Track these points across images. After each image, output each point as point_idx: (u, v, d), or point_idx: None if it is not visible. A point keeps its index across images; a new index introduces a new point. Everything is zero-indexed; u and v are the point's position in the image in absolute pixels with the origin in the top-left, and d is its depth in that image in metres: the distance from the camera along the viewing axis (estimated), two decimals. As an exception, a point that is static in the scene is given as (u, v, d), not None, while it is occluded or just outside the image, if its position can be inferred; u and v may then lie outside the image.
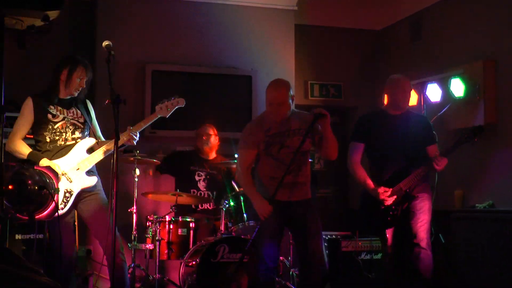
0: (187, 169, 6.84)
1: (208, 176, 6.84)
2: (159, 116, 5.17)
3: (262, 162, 5.05)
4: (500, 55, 6.97)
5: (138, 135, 5.02)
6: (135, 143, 5.06)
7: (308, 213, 5.02)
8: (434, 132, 5.60)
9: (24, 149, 4.91)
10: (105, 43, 4.53)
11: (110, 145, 4.86)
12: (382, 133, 5.51)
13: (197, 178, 6.82)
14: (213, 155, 6.95)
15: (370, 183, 5.47)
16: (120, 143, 4.85)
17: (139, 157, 6.22)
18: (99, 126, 5.24)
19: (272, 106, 4.94)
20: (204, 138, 6.84)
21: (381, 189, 5.39)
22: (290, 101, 4.98)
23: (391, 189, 5.38)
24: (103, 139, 5.18)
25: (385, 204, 5.39)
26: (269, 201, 4.83)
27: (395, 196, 5.38)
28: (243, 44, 7.75)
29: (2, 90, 3.25)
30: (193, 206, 6.76)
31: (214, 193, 6.79)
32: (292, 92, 5.02)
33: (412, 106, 5.74)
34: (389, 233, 5.55)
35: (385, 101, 6.06)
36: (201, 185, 6.82)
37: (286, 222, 5.05)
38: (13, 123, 5.22)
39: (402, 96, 5.51)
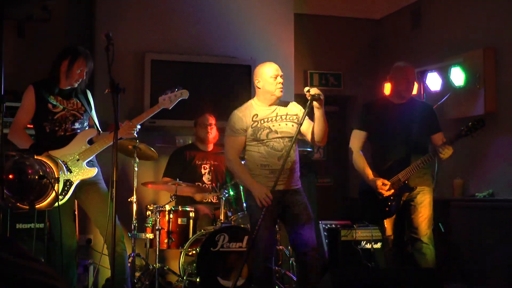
0: (192, 163, 6.80)
1: (212, 168, 6.82)
2: (161, 108, 5.17)
3: (251, 150, 5.03)
4: (500, 43, 6.96)
5: (138, 127, 5.02)
6: (136, 135, 5.05)
7: (299, 202, 5.01)
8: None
9: (26, 139, 4.92)
10: (104, 32, 4.53)
11: (111, 136, 4.83)
12: (384, 122, 5.47)
13: (203, 171, 6.79)
14: (211, 146, 6.92)
15: (369, 173, 5.44)
16: (119, 136, 4.85)
17: (140, 148, 6.21)
18: (99, 115, 5.23)
19: (276, 78, 4.99)
20: (207, 127, 6.80)
21: (379, 182, 5.34)
22: None
23: (389, 183, 5.33)
24: (100, 130, 5.17)
25: (383, 196, 5.37)
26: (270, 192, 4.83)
27: (393, 190, 5.35)
28: (243, 34, 7.73)
29: (2, 79, 3.24)
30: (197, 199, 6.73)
31: (218, 185, 6.77)
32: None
33: (413, 96, 5.68)
34: (387, 223, 5.54)
35: (388, 90, 6.02)
36: (206, 178, 6.79)
37: (278, 211, 5.03)
38: (12, 113, 5.22)
39: (406, 86, 5.45)
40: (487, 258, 6.57)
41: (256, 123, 4.99)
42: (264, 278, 4.97)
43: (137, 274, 6.31)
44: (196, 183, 6.65)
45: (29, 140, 4.92)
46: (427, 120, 5.46)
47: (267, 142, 4.95)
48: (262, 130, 4.97)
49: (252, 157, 5.03)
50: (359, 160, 5.52)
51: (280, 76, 5.01)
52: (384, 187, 5.33)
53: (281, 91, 5.04)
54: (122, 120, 4.80)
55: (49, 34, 7.33)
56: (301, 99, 6.62)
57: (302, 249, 4.95)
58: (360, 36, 9.18)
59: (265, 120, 4.99)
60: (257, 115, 5.01)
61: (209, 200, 6.75)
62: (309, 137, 5.09)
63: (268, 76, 5.00)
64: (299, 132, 4.92)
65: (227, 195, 6.18)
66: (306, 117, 4.99)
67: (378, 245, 6.73)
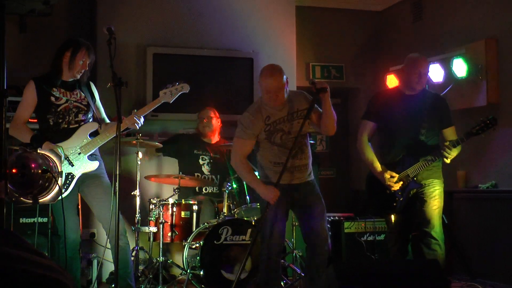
0: (191, 152, 6.83)
1: (211, 160, 6.83)
2: (162, 102, 5.16)
3: (264, 148, 5.01)
4: (502, 34, 6.94)
5: (142, 119, 5.02)
6: (138, 127, 5.05)
7: (312, 194, 5.03)
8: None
9: (27, 133, 4.92)
10: (106, 26, 4.54)
11: (113, 130, 4.81)
12: (393, 113, 5.37)
13: (201, 162, 6.81)
14: (215, 138, 6.94)
15: (377, 166, 5.37)
16: (123, 126, 4.85)
17: (142, 140, 6.22)
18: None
19: (269, 94, 4.86)
20: (205, 121, 6.83)
21: (387, 175, 5.29)
22: (286, 85, 4.92)
23: (397, 176, 5.29)
24: (107, 120, 5.18)
25: (391, 189, 5.34)
26: (275, 186, 4.82)
27: (401, 183, 5.30)
28: (244, 27, 7.72)
29: (4, 74, 3.26)
30: (197, 190, 6.76)
31: (218, 176, 6.78)
32: (285, 76, 4.94)
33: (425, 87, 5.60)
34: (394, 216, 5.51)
35: (391, 81, 5.93)
36: (205, 169, 6.81)
37: (291, 204, 5.06)
38: (15, 108, 5.22)
39: (418, 79, 5.31)
40: (491, 249, 6.58)
41: (269, 126, 4.94)
42: (271, 271, 4.97)
43: (141, 267, 6.33)
44: (196, 174, 6.68)
45: (29, 133, 4.92)
46: (438, 113, 5.36)
47: (281, 143, 4.95)
48: (276, 133, 4.94)
49: (265, 155, 5.03)
50: (367, 152, 5.44)
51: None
52: (392, 179, 5.29)
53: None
54: (124, 114, 4.80)
55: (51, 28, 7.33)
56: (303, 92, 6.54)
57: (314, 240, 4.95)
58: (362, 28, 9.17)
59: (278, 121, 4.95)
60: (269, 117, 4.94)
61: (209, 191, 6.78)
62: (319, 127, 5.08)
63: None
64: (307, 124, 4.93)
65: (230, 188, 6.18)
66: (316, 107, 4.99)
67: (382, 237, 6.73)
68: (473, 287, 6.35)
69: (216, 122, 6.89)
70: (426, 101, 5.39)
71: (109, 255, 5.49)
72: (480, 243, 6.73)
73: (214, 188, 6.77)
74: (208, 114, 6.85)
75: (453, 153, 5.15)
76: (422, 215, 5.29)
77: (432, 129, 5.36)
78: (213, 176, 6.79)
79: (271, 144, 4.96)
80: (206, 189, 6.80)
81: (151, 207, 6.29)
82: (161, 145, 6.62)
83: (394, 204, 5.36)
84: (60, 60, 4.95)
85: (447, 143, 5.15)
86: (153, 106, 5.14)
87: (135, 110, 5.01)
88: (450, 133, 5.33)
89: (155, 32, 7.43)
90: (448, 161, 5.21)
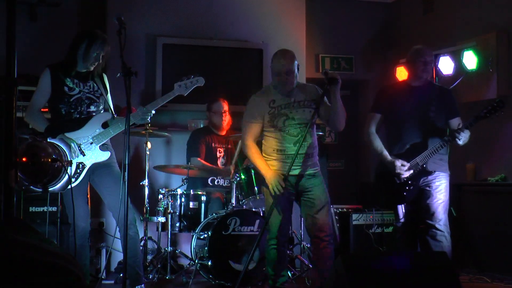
0: (210, 146, 6.83)
1: (227, 152, 6.84)
2: (176, 94, 5.16)
3: (267, 136, 5.01)
4: (514, 27, 6.91)
5: (153, 112, 5.01)
6: (149, 120, 5.05)
7: (317, 187, 5.02)
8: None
9: (42, 121, 4.93)
10: (116, 16, 4.54)
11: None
12: (401, 104, 5.42)
13: (218, 154, 6.82)
14: (225, 131, 6.93)
15: (386, 154, 5.41)
16: (132, 121, 4.85)
17: (151, 131, 6.23)
18: (111, 98, 5.23)
19: (280, 75, 4.90)
20: (222, 115, 6.81)
21: (398, 163, 5.31)
22: (297, 70, 4.96)
23: (409, 164, 5.32)
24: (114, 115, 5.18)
25: (401, 177, 5.34)
26: (284, 178, 4.81)
27: (411, 171, 5.33)
28: (254, 17, 7.72)
29: (15, 63, 3.28)
30: (209, 182, 6.76)
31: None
32: (297, 62, 4.99)
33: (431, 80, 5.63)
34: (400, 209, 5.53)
35: (401, 73, 5.91)
36: (220, 162, 6.81)
37: (295, 196, 5.04)
38: (24, 97, 5.23)
39: (423, 67, 5.39)
40: (499, 242, 6.57)
41: (273, 109, 4.95)
42: (277, 261, 4.98)
43: (149, 257, 6.35)
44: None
45: (45, 122, 4.93)
46: (445, 104, 5.40)
47: (283, 128, 4.94)
48: (279, 117, 4.94)
49: (269, 142, 5.01)
50: (376, 143, 5.50)
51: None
52: (403, 167, 5.32)
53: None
54: (134, 104, 4.81)
55: (61, 18, 7.33)
56: (313, 83, 6.55)
57: (316, 234, 4.95)
58: (372, 20, 9.13)
59: (282, 106, 4.95)
60: (274, 101, 4.97)
61: (220, 184, 6.78)
62: (326, 122, 5.07)
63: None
64: (316, 116, 4.92)
65: (238, 179, 6.19)
66: (326, 101, 4.98)
67: (390, 229, 6.73)
68: (481, 280, 6.35)
69: (228, 115, 6.88)
70: (432, 92, 5.44)
71: (118, 244, 5.51)
72: (489, 236, 6.71)
73: (226, 181, 6.76)
74: (224, 107, 6.82)
75: (465, 135, 5.15)
76: (427, 208, 5.33)
77: (439, 119, 5.39)
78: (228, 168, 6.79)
79: (274, 129, 4.95)
80: (218, 182, 6.80)
81: (159, 197, 6.31)
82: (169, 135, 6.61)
83: (405, 193, 5.37)
84: (75, 52, 4.95)
85: (459, 126, 5.19)
86: (167, 99, 5.12)
87: (144, 108, 4.97)
88: (456, 123, 5.35)
89: (165, 22, 7.43)
90: (461, 143, 5.20)
